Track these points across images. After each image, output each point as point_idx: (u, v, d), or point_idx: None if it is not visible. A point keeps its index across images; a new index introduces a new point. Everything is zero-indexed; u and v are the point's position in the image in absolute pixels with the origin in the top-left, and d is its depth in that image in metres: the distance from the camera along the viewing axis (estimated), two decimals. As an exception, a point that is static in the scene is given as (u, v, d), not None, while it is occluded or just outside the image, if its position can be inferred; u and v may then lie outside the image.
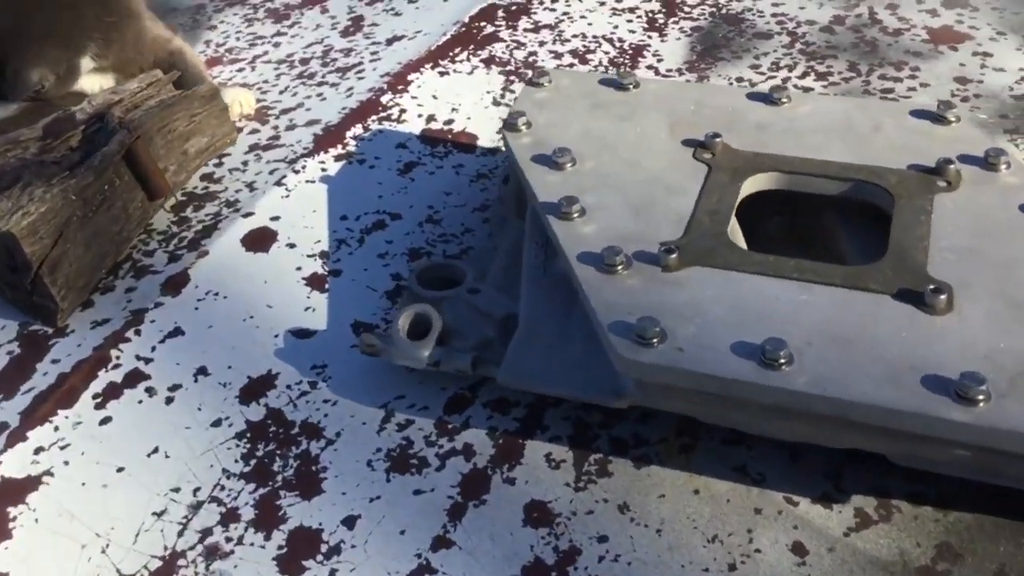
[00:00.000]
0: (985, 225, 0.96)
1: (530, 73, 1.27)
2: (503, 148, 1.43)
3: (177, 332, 1.18)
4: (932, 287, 0.88)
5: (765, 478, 0.96)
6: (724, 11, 1.75)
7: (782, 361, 0.83)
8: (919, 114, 1.12)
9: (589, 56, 1.65)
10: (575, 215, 1.01)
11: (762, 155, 1.08)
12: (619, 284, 0.93)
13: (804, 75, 1.55)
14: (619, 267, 0.94)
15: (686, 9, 1.77)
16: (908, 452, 0.86)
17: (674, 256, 0.94)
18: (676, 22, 1.73)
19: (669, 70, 1.59)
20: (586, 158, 1.10)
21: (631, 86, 1.21)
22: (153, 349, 1.16)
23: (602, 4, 1.81)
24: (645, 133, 1.13)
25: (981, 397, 0.78)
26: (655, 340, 0.86)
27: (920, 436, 0.81)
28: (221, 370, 1.13)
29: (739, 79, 1.55)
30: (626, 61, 1.63)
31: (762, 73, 1.56)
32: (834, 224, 1.08)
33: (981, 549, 0.88)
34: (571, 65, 1.63)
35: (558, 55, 1.66)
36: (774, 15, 1.72)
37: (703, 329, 0.87)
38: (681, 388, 0.87)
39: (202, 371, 1.13)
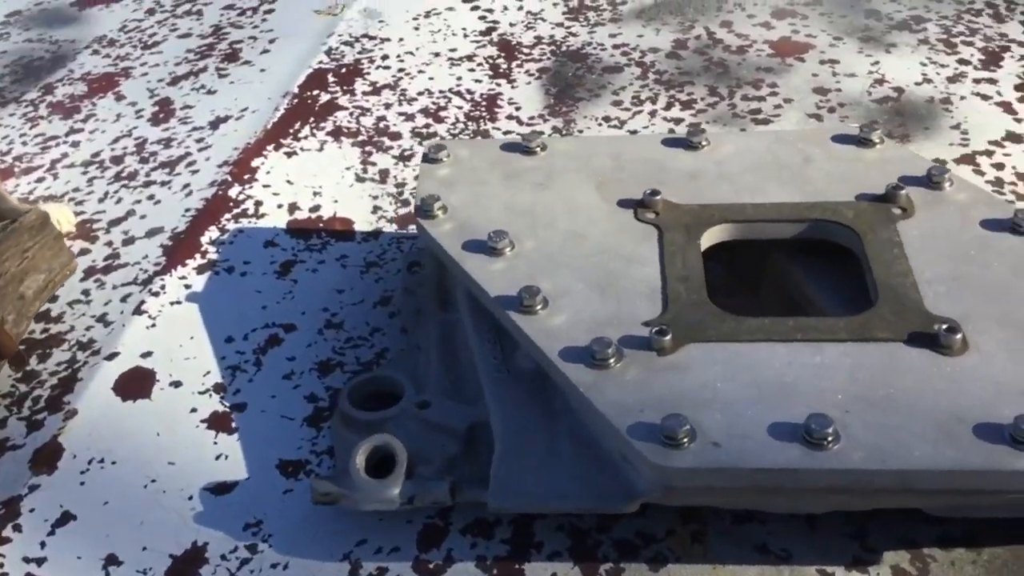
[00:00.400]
0: (958, 249, 0.93)
1: (423, 148, 1.15)
2: (391, 229, 1.30)
3: (67, 518, 0.97)
4: (945, 327, 0.83)
5: (791, 554, 0.89)
6: (564, 48, 1.69)
7: (829, 439, 0.76)
8: (841, 139, 1.09)
9: (443, 113, 1.54)
10: (539, 307, 0.90)
11: (708, 207, 1.01)
12: (617, 379, 0.83)
13: (669, 106, 1.51)
14: (611, 360, 0.84)
15: (524, 51, 1.70)
16: (951, 504, 0.80)
17: (668, 337, 0.85)
18: (520, 65, 1.65)
19: (532, 117, 1.51)
20: (523, 238, 0.99)
21: (538, 148, 1.12)
22: (43, 545, 0.95)
23: (436, 56, 1.70)
24: (574, 200, 1.04)
25: (1043, 442, 0.74)
26: (686, 440, 0.77)
27: (978, 490, 0.76)
28: (135, 555, 0.93)
29: (606, 118, 1.49)
30: (483, 113, 1.54)
31: (627, 109, 1.51)
32: (786, 266, 1.03)
33: (1032, 585, 0.85)
34: (427, 126, 1.52)
35: (409, 116, 1.54)
36: (616, 46, 1.68)
37: (729, 415, 0.79)
38: (719, 485, 0.78)
39: (112, 561, 0.93)
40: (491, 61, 1.67)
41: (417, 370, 1.05)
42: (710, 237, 0.98)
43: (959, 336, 0.82)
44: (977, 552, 0.87)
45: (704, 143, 1.10)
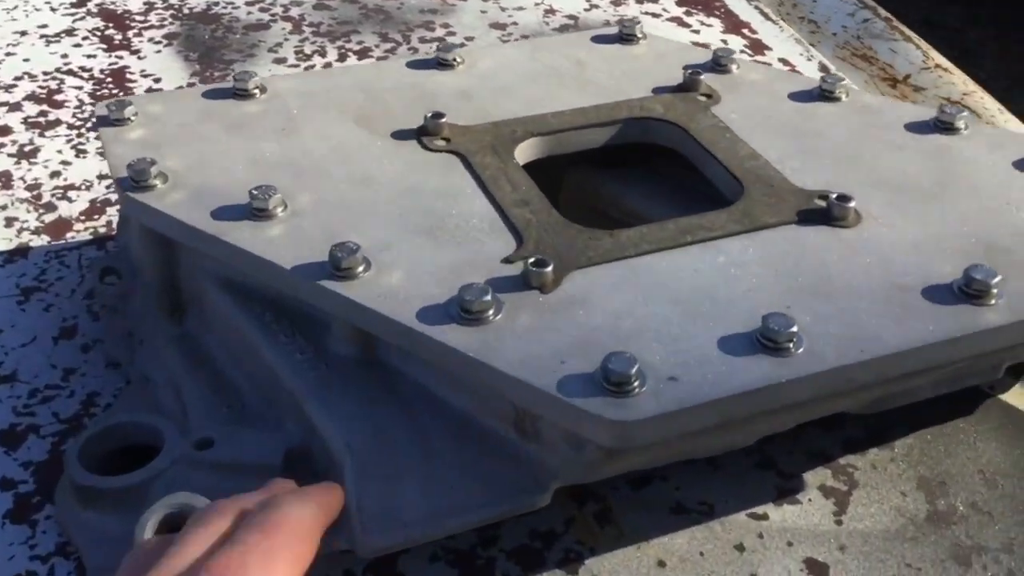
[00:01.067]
0: (784, 125, 0.84)
1: (97, 112, 0.83)
2: (42, 242, 0.95)
3: None
4: (835, 196, 0.73)
5: (712, 506, 0.74)
6: (187, 11, 1.40)
7: (792, 343, 0.61)
8: (602, 39, 0.96)
9: (58, 97, 1.19)
10: (360, 268, 0.66)
11: (503, 124, 0.83)
12: (507, 331, 0.62)
13: (343, 56, 1.30)
14: (490, 311, 0.63)
15: (137, 18, 1.38)
16: (882, 396, 0.70)
17: (549, 268, 0.66)
18: (138, 34, 1.34)
19: (181, 86, 1.22)
20: (294, 193, 0.74)
21: (257, 91, 0.86)
22: None
23: (24, 35, 1.33)
24: (338, 140, 0.80)
25: (995, 291, 0.66)
26: (636, 383, 0.58)
27: (947, 361, 0.66)
28: None
29: (274, 78, 1.24)
30: (113, 90, 1.21)
31: (296, 64, 1.27)
32: (593, 183, 0.88)
33: (952, 468, 0.77)
34: (42, 113, 1.16)
35: (14, 106, 1.17)
36: (249, 3, 1.42)
37: (667, 342, 0.62)
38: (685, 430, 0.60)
39: None
40: (99, 33, 1.34)
41: (163, 407, 0.75)
42: (523, 154, 0.80)
43: (852, 205, 0.72)
44: (890, 448, 0.79)
45: (457, 60, 0.91)
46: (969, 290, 0.65)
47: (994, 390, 0.84)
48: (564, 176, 0.88)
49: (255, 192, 0.71)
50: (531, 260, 0.66)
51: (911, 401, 0.73)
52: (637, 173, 0.87)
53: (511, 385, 0.59)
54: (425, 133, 0.81)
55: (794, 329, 0.61)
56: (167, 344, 0.78)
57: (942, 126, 0.84)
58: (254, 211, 0.71)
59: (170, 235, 0.73)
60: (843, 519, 0.73)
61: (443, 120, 0.81)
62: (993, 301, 0.65)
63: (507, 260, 0.68)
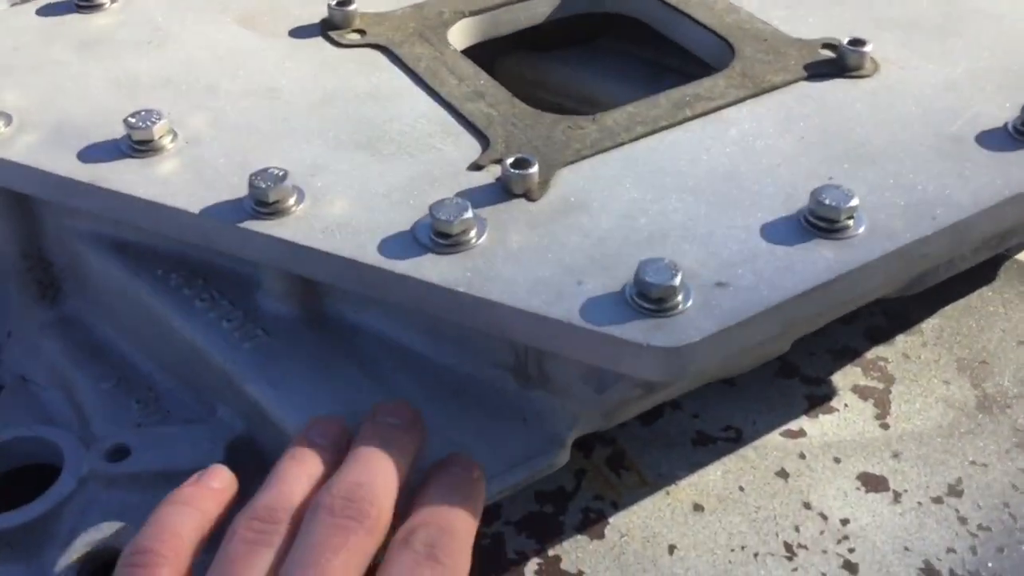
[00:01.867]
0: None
1: None
2: None
3: None
4: (847, 42, 0.61)
5: (741, 432, 0.62)
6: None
7: (850, 220, 0.49)
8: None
9: None
10: (291, 200, 0.51)
11: (423, 7, 0.67)
12: (500, 254, 0.48)
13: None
14: (471, 232, 0.49)
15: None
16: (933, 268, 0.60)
17: (534, 169, 0.52)
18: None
19: None
20: (183, 118, 0.57)
21: (107, 1, 0.68)
22: None
23: None
24: (227, 47, 0.64)
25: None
26: (680, 297, 0.45)
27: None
28: None
29: None
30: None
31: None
32: (536, 69, 0.74)
33: (990, 343, 0.68)
34: None
35: None
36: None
37: (698, 240, 0.49)
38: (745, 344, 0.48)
39: None
40: None
41: (53, 414, 0.59)
42: (456, 41, 0.65)
43: (867, 49, 0.60)
44: (918, 332, 0.69)
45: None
46: (1027, 127, 0.55)
47: (1010, 251, 0.75)
48: (494, 67, 0.74)
49: (132, 120, 0.54)
50: (510, 161, 0.51)
51: (952, 274, 0.63)
52: (585, 52, 0.74)
53: (517, 321, 0.45)
54: (332, 26, 0.65)
55: (854, 203, 0.49)
56: (42, 332, 0.61)
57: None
58: (135, 145, 0.54)
59: (26, 191, 0.56)
60: (888, 421, 0.63)
61: (352, 7, 0.65)
62: (1068, 144, 0.55)
63: (475, 166, 0.53)
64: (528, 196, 0.51)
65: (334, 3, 0.65)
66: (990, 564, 0.54)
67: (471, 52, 0.68)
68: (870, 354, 0.67)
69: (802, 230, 0.49)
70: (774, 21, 0.65)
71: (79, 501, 0.51)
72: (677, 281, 0.44)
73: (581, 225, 0.50)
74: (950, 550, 0.55)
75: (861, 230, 0.49)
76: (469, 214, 0.48)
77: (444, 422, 0.50)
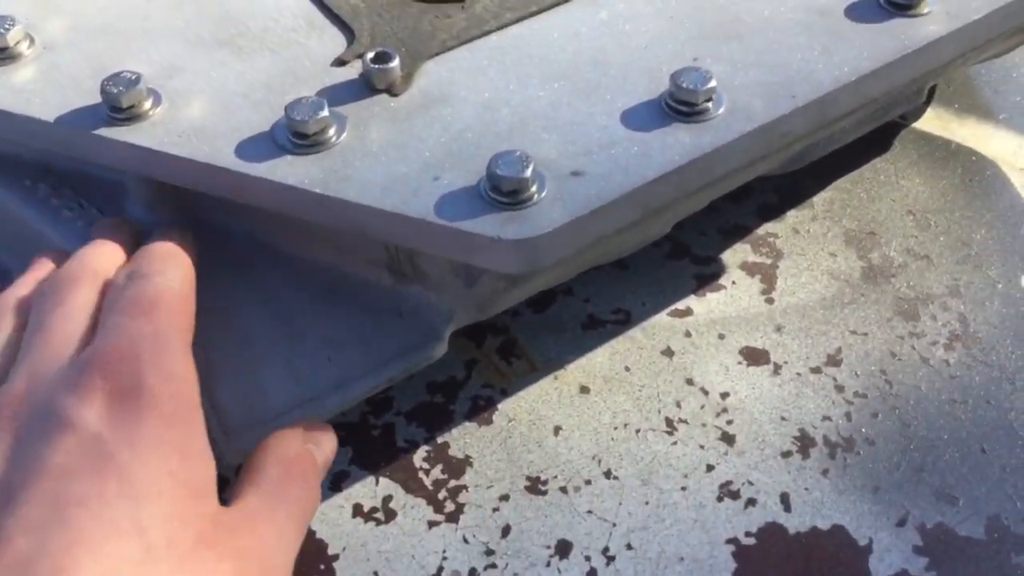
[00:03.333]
0: None
1: None
2: None
3: None
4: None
5: (630, 314, 0.63)
6: None
7: (708, 102, 0.49)
8: None
9: None
10: (148, 103, 0.50)
11: None
12: (358, 151, 0.48)
13: None
14: (330, 131, 0.48)
15: None
16: (814, 142, 0.60)
17: (395, 63, 0.51)
18: None
19: None
20: (39, 24, 0.56)
21: None
22: None
23: None
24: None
25: (927, -3, 0.55)
26: (534, 188, 0.45)
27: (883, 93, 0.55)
28: None
29: None
30: None
31: None
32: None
33: (879, 214, 0.69)
34: None
35: None
36: None
37: (557, 131, 0.49)
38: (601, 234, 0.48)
39: None
40: None
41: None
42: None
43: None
44: (809, 206, 0.69)
45: None
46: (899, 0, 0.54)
47: (906, 120, 0.75)
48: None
49: (-19, 30, 0.53)
50: (371, 56, 0.51)
51: (836, 147, 0.63)
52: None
53: (376, 220, 0.46)
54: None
55: (711, 84, 0.49)
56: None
57: None
58: (-13, 57, 0.53)
59: None
60: (774, 296, 0.64)
61: None
62: (927, 9, 0.54)
63: (339, 61, 0.53)
64: (390, 91, 0.51)
65: None
66: (863, 430, 0.57)
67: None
68: (761, 230, 0.68)
69: (663, 114, 0.49)
70: None
71: None
72: (528, 173, 0.45)
73: (442, 119, 0.49)
74: (826, 418, 0.57)
75: (720, 111, 0.49)
76: (325, 112, 0.48)
77: (319, 320, 0.51)
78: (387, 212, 0.45)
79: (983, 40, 0.56)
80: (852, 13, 0.54)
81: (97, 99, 0.50)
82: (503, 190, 0.45)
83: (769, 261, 0.66)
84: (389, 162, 0.47)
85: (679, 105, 0.49)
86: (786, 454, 0.55)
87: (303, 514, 0.43)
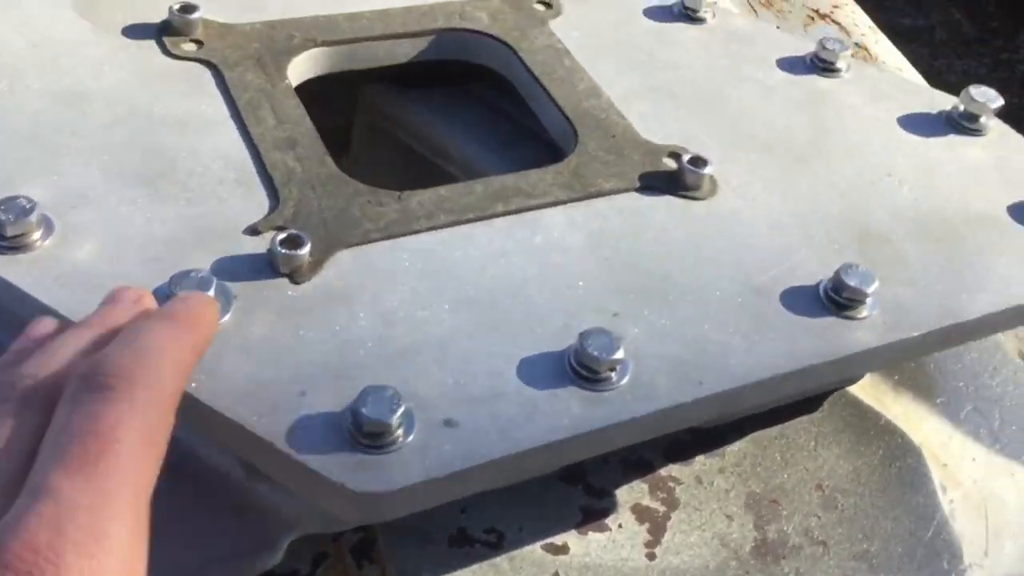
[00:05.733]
0: (636, 50, 0.68)
1: None
2: None
3: None
4: (687, 159, 0.58)
5: (503, 536, 0.60)
6: None
7: (611, 372, 0.47)
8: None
9: None
10: (36, 235, 0.47)
11: (278, 25, 0.63)
12: (233, 341, 0.45)
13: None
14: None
15: None
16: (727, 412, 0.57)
17: (305, 250, 0.49)
18: None
19: None
20: (-38, 108, 0.53)
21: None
22: None
23: None
24: (45, 35, 0.59)
25: (869, 300, 0.53)
26: (399, 432, 0.43)
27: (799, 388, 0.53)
28: None
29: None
30: None
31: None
32: (395, 106, 0.70)
33: (788, 482, 0.66)
34: None
35: None
36: None
37: (448, 366, 0.46)
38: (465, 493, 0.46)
39: None
40: None
41: None
42: (300, 70, 0.61)
43: (708, 171, 0.57)
44: (720, 456, 0.67)
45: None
46: (839, 298, 0.52)
47: (842, 384, 0.73)
48: (359, 93, 0.70)
49: None
50: (281, 237, 0.48)
51: (763, 410, 0.61)
52: (451, 97, 0.70)
53: (223, 425, 0.43)
54: (169, 31, 0.61)
55: (618, 355, 0.46)
56: None
57: (821, 65, 0.70)
58: None
59: None
60: (657, 552, 0.61)
61: (196, 15, 0.61)
62: (865, 313, 0.52)
63: (252, 230, 0.50)
64: (293, 277, 0.48)
65: (176, 7, 0.61)
66: None
67: (334, 77, 0.64)
68: (664, 471, 0.65)
69: (562, 372, 0.47)
70: (632, 115, 0.62)
71: None
72: (395, 418, 0.42)
73: (334, 323, 0.47)
74: None
75: (623, 382, 0.47)
76: (212, 292, 0.45)
77: (164, 503, 0.48)
78: (232, 422, 0.42)
79: (918, 355, 0.54)
80: (788, 301, 0.52)
81: (-8, 214, 0.47)
82: (364, 430, 0.42)
83: (663, 509, 0.63)
84: (259, 363, 0.44)
85: (580, 368, 0.46)
86: None
87: None
